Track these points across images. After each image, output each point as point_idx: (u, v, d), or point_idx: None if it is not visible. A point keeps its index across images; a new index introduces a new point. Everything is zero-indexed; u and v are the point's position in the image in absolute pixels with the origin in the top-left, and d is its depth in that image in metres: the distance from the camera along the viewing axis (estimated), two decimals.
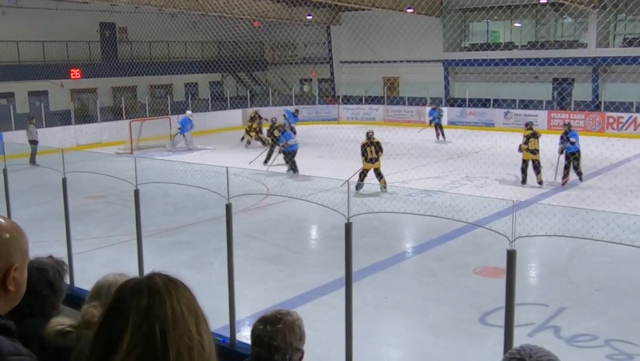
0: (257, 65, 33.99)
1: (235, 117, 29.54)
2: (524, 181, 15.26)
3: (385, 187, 14.30)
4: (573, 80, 27.72)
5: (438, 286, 8.70)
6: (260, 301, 7.79)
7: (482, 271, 9.00)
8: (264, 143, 21.92)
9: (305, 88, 35.96)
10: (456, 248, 10.37)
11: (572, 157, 15.08)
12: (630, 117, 24.34)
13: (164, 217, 12.48)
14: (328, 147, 21.82)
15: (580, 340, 6.77)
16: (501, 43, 30.59)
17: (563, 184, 15.10)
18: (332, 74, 35.23)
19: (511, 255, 3.89)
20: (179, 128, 22.65)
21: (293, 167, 17.27)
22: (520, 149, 15.32)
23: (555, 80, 28.25)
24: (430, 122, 24.41)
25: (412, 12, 27.96)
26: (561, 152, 15.40)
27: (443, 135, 24.22)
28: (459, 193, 13.99)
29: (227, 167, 5.72)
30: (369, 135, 14.78)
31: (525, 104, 27.37)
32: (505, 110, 27.38)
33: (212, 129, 27.29)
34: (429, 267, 9.66)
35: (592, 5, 25.76)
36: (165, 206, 13.35)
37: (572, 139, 15.28)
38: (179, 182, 9.23)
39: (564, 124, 17.06)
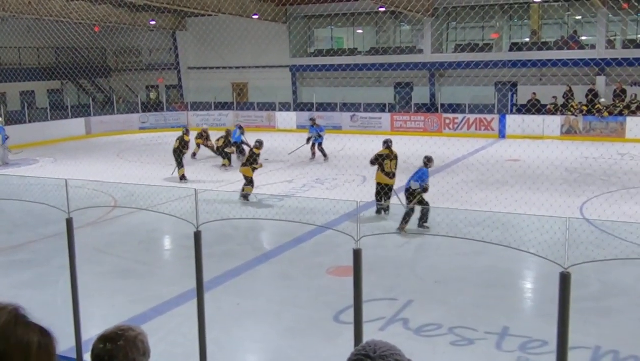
0: (100, 72, 32.51)
1: (77, 126, 28.04)
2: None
3: (387, 210, 12.06)
4: (412, 83, 29.29)
5: (292, 288, 8.81)
6: (110, 317, 7.45)
7: (334, 270, 9.22)
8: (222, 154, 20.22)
9: (152, 95, 34.96)
10: (309, 249, 10.55)
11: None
12: (464, 117, 26.12)
13: (0, 236, 11.59)
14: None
15: (427, 330, 7.14)
16: (345, 49, 31.62)
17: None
18: (179, 79, 34.58)
19: (357, 254, 4.01)
20: None
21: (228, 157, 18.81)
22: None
23: (396, 84, 29.68)
24: (309, 139, 20.47)
25: (258, 18, 28.13)
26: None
27: (324, 154, 20.28)
28: (309, 197, 14.27)
29: (65, 180, 5.40)
30: (389, 145, 12.21)
31: (370, 107, 28.49)
32: (352, 114, 28.35)
33: (52, 140, 25.76)
34: (283, 269, 9.75)
35: (427, 13, 27.37)
36: (0, 223, 12.40)
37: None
38: (14, 198, 8.60)
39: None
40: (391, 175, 11.77)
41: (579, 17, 27.21)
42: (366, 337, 5.05)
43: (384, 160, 11.66)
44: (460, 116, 26.22)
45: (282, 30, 31.21)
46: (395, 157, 11.96)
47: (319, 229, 10.64)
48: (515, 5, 26.87)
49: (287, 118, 29.85)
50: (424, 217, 11.56)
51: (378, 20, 30.28)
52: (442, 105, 27.73)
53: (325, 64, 30.10)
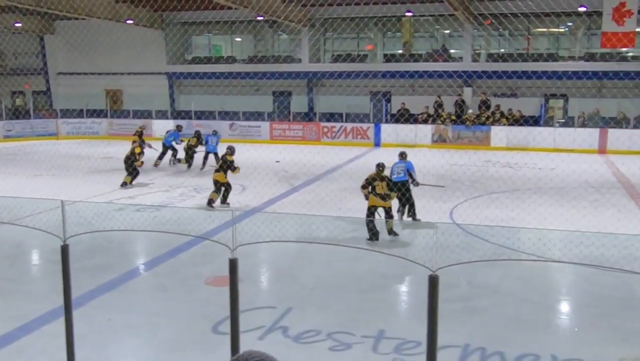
0: None
1: None
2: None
3: (393, 232, 11.27)
4: (291, 92, 29.61)
5: (170, 300, 8.60)
6: None
7: (212, 281, 9.11)
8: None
9: (18, 101, 33.02)
10: (187, 260, 10.34)
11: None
12: (342, 126, 26.74)
13: None
14: (46, 163, 20.27)
15: (306, 337, 7.21)
16: (224, 57, 31.44)
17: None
18: (48, 85, 32.88)
19: (233, 264, 3.99)
20: None
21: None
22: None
23: (275, 92, 29.88)
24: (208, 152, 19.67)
25: (133, 24, 27.35)
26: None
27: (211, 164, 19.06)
28: (185, 207, 14.02)
29: None
30: (380, 168, 11.71)
31: (249, 116, 28.48)
32: (231, 122, 28.20)
33: None
34: (160, 282, 9.50)
35: (303, 23, 27.80)
36: None
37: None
38: None
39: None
40: (384, 197, 11.40)
41: (448, 31, 28.71)
42: (246, 347, 5.03)
43: (375, 182, 11.42)
44: (337, 125, 26.81)
45: (159, 37, 30.55)
46: (385, 179, 11.59)
47: (197, 240, 10.47)
48: (389, 19, 27.89)
49: (165, 127, 29.14)
50: (413, 210, 12.51)
51: (257, 30, 30.39)
52: (320, 114, 28.24)
53: (203, 71, 29.80)
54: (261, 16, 26.53)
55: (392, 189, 11.59)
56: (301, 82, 29.40)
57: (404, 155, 13.05)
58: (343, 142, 26.29)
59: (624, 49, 25.19)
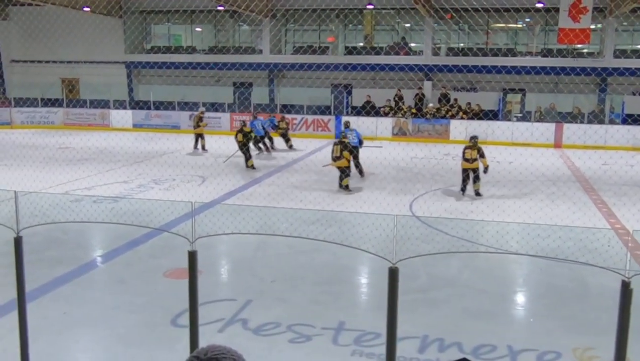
0: None
1: None
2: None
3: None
4: (251, 84, 29.42)
5: (128, 293, 8.47)
6: None
7: (172, 273, 9.01)
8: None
9: None
10: (146, 252, 10.21)
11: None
12: (303, 118, 26.69)
13: None
14: None
15: (266, 329, 7.19)
16: (184, 47, 31.05)
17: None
18: (1, 73, 32.00)
19: (192, 256, 3.94)
20: None
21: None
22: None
23: (235, 83, 29.65)
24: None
25: (90, 11, 26.79)
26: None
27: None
28: (144, 198, 13.83)
29: None
30: (475, 140, 14.77)
31: (209, 107, 28.19)
32: (190, 113, 27.88)
33: None
34: (118, 274, 9.35)
35: (266, 14, 27.63)
36: None
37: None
38: None
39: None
40: (471, 161, 14.43)
41: (409, 25, 28.88)
42: (205, 339, 4.98)
43: (466, 150, 14.52)
44: (298, 117, 26.75)
45: (117, 25, 30.00)
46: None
47: (156, 232, 10.33)
48: (351, 11, 27.92)
49: (123, 117, 28.71)
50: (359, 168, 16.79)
51: (218, 20, 30.09)
52: (281, 105, 28.13)
53: (163, 61, 29.38)
54: (222, 6, 26.28)
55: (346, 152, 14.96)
56: (262, 73, 29.25)
57: (348, 124, 17.80)
58: (304, 134, 26.25)
59: (580, 45, 25.74)
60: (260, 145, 21.25)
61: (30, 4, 26.84)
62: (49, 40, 28.89)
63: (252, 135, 19.48)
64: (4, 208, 5.74)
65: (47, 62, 30.91)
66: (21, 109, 29.25)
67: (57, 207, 12.36)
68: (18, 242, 4.33)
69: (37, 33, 28.63)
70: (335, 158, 15.03)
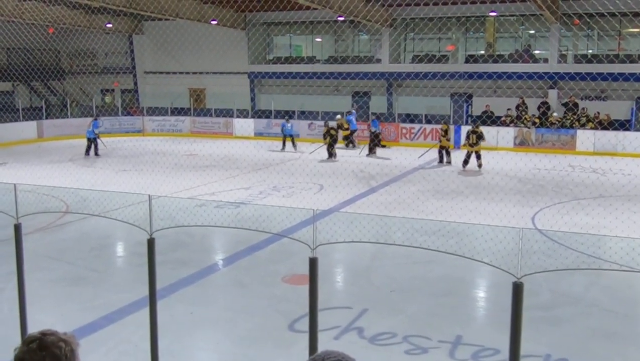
0: (53, 74, 31.86)
1: (29, 129, 27.38)
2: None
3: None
4: (370, 93, 29.49)
5: (247, 296, 8.73)
6: (58, 326, 7.19)
7: (290, 279, 9.18)
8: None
9: (107, 99, 34.41)
10: (265, 257, 10.48)
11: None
12: (421, 127, 26.41)
13: None
14: (133, 159, 21.04)
15: (381, 339, 7.15)
16: (304, 57, 31.67)
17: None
18: (135, 84, 34.11)
19: (313, 262, 3.99)
20: None
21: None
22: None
23: (354, 93, 29.85)
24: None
25: (217, 24, 27.98)
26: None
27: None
28: (265, 204, 14.19)
29: (14, 184, 5.24)
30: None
31: (328, 116, 28.54)
32: (310, 122, 28.37)
33: (2, 143, 25.09)
34: (238, 278, 9.66)
35: (385, 24, 27.66)
36: None
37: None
38: None
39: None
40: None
41: (533, 31, 27.87)
42: (321, 346, 5.03)
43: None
44: (417, 126, 26.49)
45: (241, 37, 31.10)
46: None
47: (275, 237, 10.59)
48: (472, 19, 27.36)
49: (245, 125, 29.70)
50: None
51: (337, 30, 30.45)
52: (399, 114, 27.99)
53: (283, 71, 30.12)
54: (342, 16, 26.56)
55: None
56: (381, 83, 29.26)
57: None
58: (422, 143, 25.95)
59: None
60: (352, 137, 24.81)
61: (162, 19, 28.41)
62: (178, 52, 30.46)
63: (336, 134, 22.57)
64: (138, 210, 6.08)
65: (176, 73, 32.58)
66: (152, 118, 31.01)
67: (183, 211, 12.98)
68: (151, 244, 4.57)
69: (168, 46, 30.28)
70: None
